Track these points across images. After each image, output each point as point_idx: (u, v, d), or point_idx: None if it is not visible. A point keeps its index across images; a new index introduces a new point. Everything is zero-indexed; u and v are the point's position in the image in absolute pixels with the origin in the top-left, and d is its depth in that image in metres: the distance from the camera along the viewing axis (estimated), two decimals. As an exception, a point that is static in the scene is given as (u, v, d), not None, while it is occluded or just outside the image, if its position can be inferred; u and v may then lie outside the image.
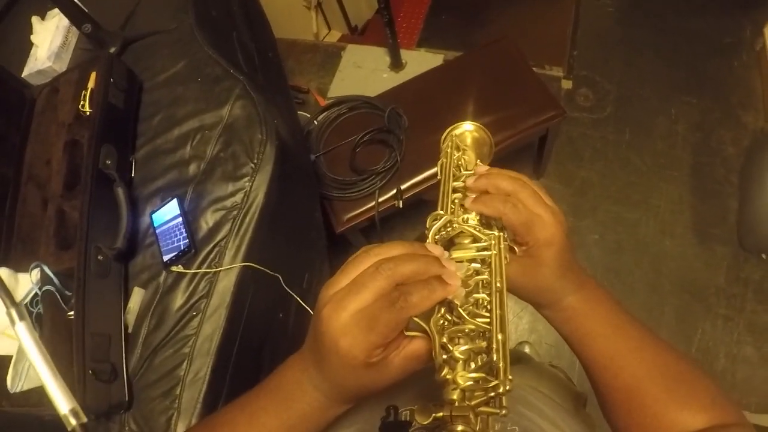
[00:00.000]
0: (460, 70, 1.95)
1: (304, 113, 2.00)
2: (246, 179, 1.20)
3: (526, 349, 1.95)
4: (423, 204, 1.84)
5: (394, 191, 1.72)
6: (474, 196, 0.55)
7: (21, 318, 0.44)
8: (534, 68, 1.92)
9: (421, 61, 2.50)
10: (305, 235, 1.54)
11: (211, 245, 1.16)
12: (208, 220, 1.19)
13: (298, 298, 1.34)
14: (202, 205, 1.20)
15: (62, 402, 0.43)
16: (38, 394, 1.06)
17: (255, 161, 1.21)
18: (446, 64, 2.21)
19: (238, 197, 1.19)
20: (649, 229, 2.12)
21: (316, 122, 1.89)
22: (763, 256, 1.99)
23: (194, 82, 1.32)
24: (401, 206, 1.73)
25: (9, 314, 0.44)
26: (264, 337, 1.28)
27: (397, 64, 2.49)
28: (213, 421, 0.55)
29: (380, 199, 1.72)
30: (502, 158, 1.84)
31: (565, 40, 2.56)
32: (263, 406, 0.50)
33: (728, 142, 2.23)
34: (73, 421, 0.42)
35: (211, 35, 1.39)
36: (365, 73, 2.55)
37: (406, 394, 0.57)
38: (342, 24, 2.74)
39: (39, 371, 0.43)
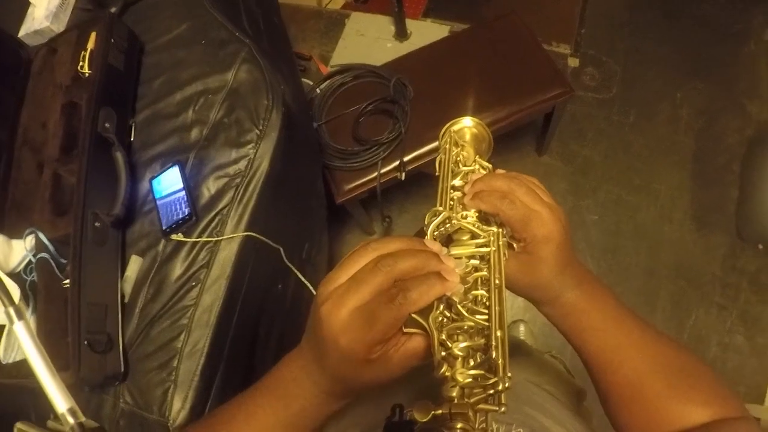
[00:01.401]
0: (467, 43, 1.92)
1: (306, 80, 1.96)
2: (250, 146, 1.17)
3: (521, 328, 1.95)
4: (424, 177, 1.82)
5: (397, 163, 1.70)
6: (472, 194, 0.55)
7: (19, 317, 0.43)
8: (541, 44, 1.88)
9: (426, 31, 2.46)
10: (307, 205, 1.52)
11: (213, 213, 1.14)
12: (210, 187, 1.16)
13: (297, 272, 1.33)
14: (204, 172, 1.17)
15: (60, 401, 0.42)
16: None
17: (260, 128, 1.18)
18: (454, 36, 2.17)
19: (242, 164, 1.17)
20: (649, 213, 2.11)
21: (319, 90, 1.86)
22: (760, 246, 1.99)
23: (198, 45, 1.28)
24: (403, 178, 1.71)
25: (7, 313, 0.42)
26: (262, 308, 1.27)
27: (401, 34, 2.45)
28: (211, 420, 0.55)
29: (383, 170, 1.70)
30: (507, 134, 1.82)
31: (574, 18, 2.51)
32: (261, 404, 0.50)
33: (732, 130, 2.21)
34: (71, 420, 0.41)
35: (216, -4, 1.35)
36: (369, 41, 2.51)
37: (412, 392, 0.57)
38: (346, -10, 2.68)
39: (36, 370, 0.42)
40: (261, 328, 1.26)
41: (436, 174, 0.59)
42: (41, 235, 1.05)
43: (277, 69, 1.28)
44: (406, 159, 1.70)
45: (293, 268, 1.31)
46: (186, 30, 1.30)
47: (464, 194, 0.56)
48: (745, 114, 2.24)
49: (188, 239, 1.12)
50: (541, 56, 1.83)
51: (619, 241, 2.08)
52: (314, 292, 1.39)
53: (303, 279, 1.35)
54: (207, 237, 1.13)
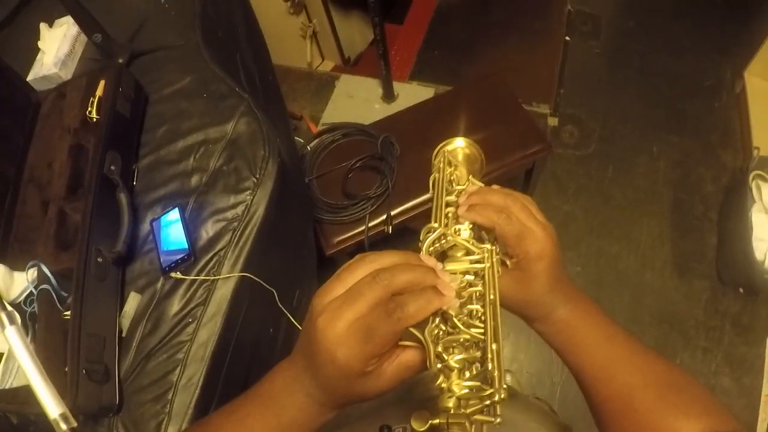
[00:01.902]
0: (451, 103, 2.00)
1: (297, 139, 2.03)
2: (248, 193, 1.22)
3: (507, 378, 1.95)
4: (409, 233, 1.87)
5: (384, 217, 1.75)
6: (467, 206, 0.56)
7: (11, 322, 0.45)
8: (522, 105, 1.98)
9: (412, 93, 2.56)
10: (298, 254, 1.56)
11: (211, 254, 1.18)
12: (209, 230, 1.20)
13: (290, 316, 1.35)
14: (203, 216, 1.21)
15: (52, 406, 0.43)
16: (26, 391, 1.04)
17: (257, 176, 1.23)
18: (438, 96, 2.27)
19: (239, 209, 1.21)
20: (630, 263, 2.16)
21: (309, 147, 1.92)
22: (741, 290, 2.04)
23: (200, 98, 1.34)
24: (390, 232, 1.76)
25: (-2, 318, 0.43)
26: (254, 350, 1.28)
27: (389, 96, 2.54)
28: (200, 428, 0.55)
29: (370, 224, 1.75)
30: (489, 190, 1.88)
31: (553, 79, 2.63)
32: (252, 413, 0.50)
33: (708, 180, 2.31)
34: (63, 426, 0.42)
35: (216, 54, 1.42)
36: (357, 102, 2.59)
37: (399, 412, 0.57)
38: (335, 54, 2.80)
39: (28, 374, 0.43)
40: (252, 371, 1.28)
41: (430, 193, 0.61)
42: (44, 267, 1.08)
43: (272, 123, 1.34)
44: (392, 213, 1.75)
45: (285, 311, 1.33)
46: (189, 83, 1.37)
47: (459, 206, 0.57)
48: (719, 164, 2.34)
49: (187, 277, 1.15)
50: (521, 115, 1.91)
51: (602, 290, 2.12)
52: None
53: (294, 322, 1.38)
54: (205, 276, 1.16)
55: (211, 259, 1.18)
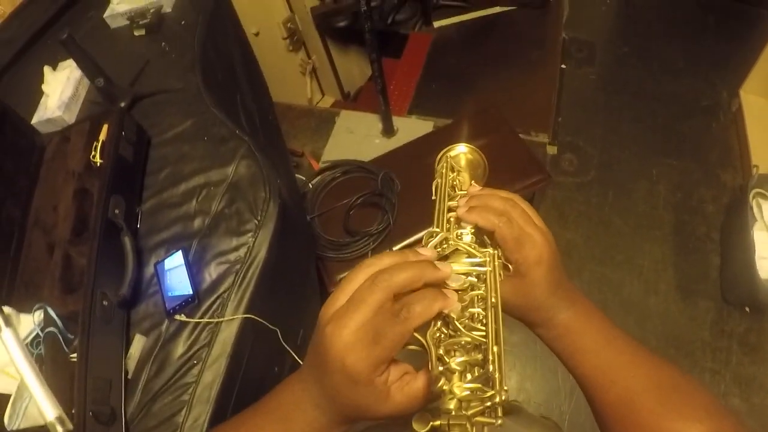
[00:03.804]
0: (450, 137, 2.03)
1: (299, 176, 2.06)
2: (249, 235, 1.23)
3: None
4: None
5: (386, 253, 1.76)
6: (468, 207, 0.56)
7: (7, 324, 0.46)
8: (521, 135, 2.00)
9: (412, 127, 2.58)
10: (301, 292, 1.56)
11: (214, 296, 1.19)
12: (212, 272, 1.21)
13: (293, 354, 1.35)
14: (206, 258, 1.23)
15: (49, 409, 0.44)
16: (34, 432, 1.05)
17: (258, 218, 1.24)
18: (437, 131, 2.30)
19: (242, 252, 1.22)
20: (634, 288, 2.16)
21: (311, 185, 1.94)
22: (747, 309, 2.04)
23: (201, 141, 1.37)
24: (392, 268, 1.76)
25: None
26: (259, 389, 1.28)
27: (388, 130, 2.56)
28: None
29: (372, 260, 1.75)
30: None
31: (550, 108, 2.64)
32: (261, 426, 0.50)
33: (708, 201, 2.32)
34: (59, 429, 0.43)
35: (216, 96, 1.45)
36: (358, 138, 2.61)
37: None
38: (335, 90, 2.84)
39: (26, 378, 0.45)
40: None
41: (433, 198, 0.62)
42: (50, 310, 1.09)
43: (272, 164, 1.36)
44: (394, 249, 1.76)
45: (289, 350, 1.33)
46: (190, 126, 1.40)
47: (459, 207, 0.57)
48: (719, 183, 2.36)
49: (191, 320, 1.16)
50: (520, 146, 1.94)
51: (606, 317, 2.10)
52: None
53: (298, 360, 1.38)
54: (209, 318, 1.17)
55: (215, 301, 1.19)
